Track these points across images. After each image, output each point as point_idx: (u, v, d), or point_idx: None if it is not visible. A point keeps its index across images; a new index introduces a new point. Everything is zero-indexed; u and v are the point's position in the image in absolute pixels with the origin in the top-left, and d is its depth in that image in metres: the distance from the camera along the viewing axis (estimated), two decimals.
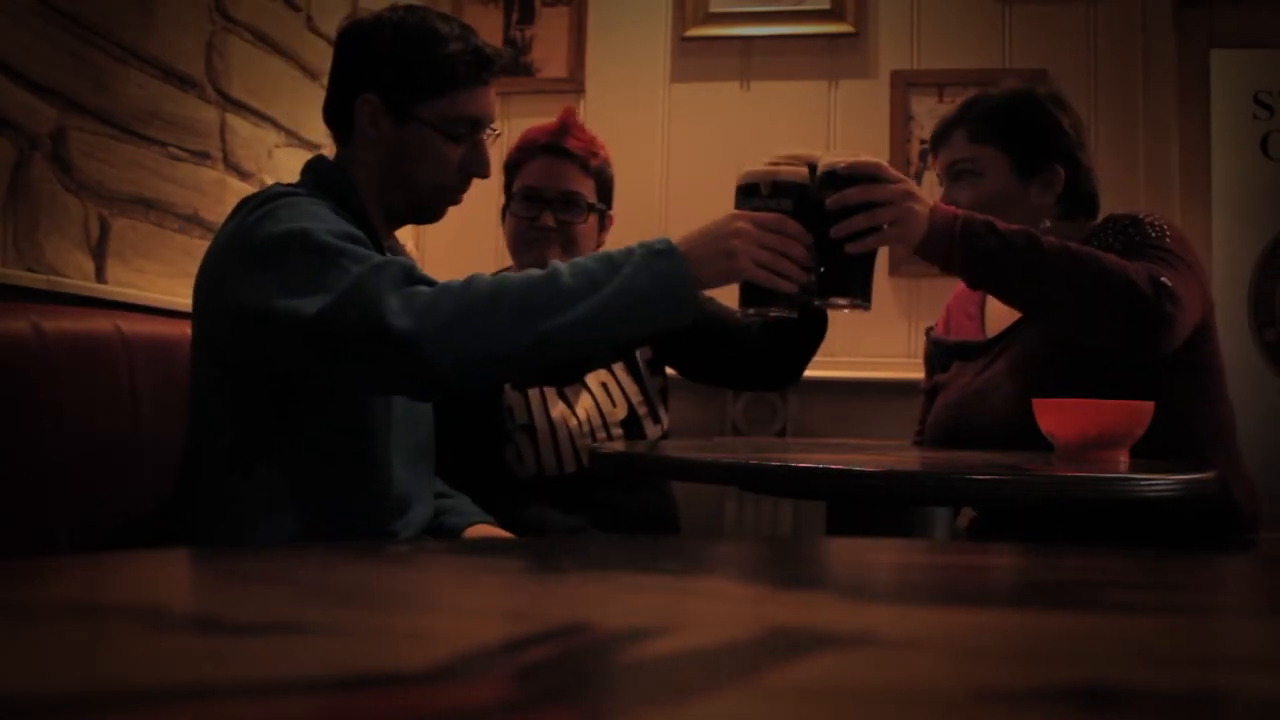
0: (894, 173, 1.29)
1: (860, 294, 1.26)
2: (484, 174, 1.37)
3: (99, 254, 1.69)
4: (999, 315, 1.63)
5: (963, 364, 1.64)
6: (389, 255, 1.17)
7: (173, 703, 0.27)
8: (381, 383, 1.18)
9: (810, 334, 1.60)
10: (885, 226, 1.24)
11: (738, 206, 1.28)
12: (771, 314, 1.25)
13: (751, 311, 1.25)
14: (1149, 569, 0.58)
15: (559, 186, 1.69)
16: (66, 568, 0.50)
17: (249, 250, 1.18)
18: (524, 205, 1.70)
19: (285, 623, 0.38)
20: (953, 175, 1.60)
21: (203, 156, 1.95)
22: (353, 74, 1.35)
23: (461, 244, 2.78)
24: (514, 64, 2.88)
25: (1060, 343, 1.47)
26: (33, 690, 0.28)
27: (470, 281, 1.12)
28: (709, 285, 1.19)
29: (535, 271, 1.14)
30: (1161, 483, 1.04)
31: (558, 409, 1.69)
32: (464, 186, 1.39)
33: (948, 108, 2.79)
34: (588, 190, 1.71)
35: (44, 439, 1.23)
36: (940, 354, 1.70)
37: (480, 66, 1.35)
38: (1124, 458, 1.23)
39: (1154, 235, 1.46)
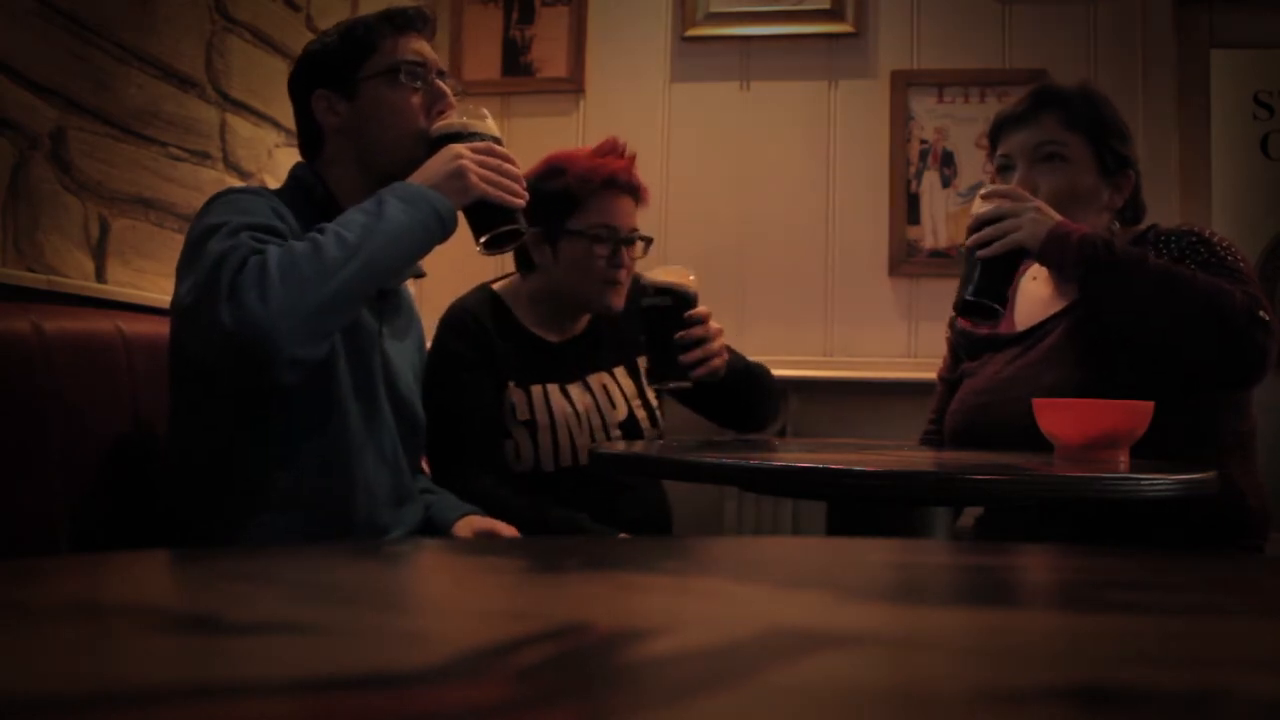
0: (1029, 196, 1.47)
1: (998, 297, 1.45)
2: (447, 107, 1.40)
3: (99, 254, 1.69)
4: (1030, 309, 1.63)
5: (993, 354, 1.64)
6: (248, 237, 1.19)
7: (173, 703, 0.27)
8: (234, 369, 1.18)
9: (737, 391, 1.72)
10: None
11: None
12: (504, 234, 1.34)
13: (484, 240, 1.35)
14: (1149, 569, 0.58)
15: (630, 224, 1.75)
16: (66, 568, 0.50)
17: (184, 247, 1.25)
18: (602, 242, 1.71)
19: (285, 623, 0.38)
20: (1039, 156, 1.57)
21: (203, 156, 1.95)
22: (303, 86, 1.42)
23: (463, 252, 2.78)
24: (516, 64, 2.88)
25: (1094, 339, 1.48)
26: (33, 690, 0.28)
27: (271, 256, 1.15)
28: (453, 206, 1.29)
29: (312, 236, 1.19)
30: (1161, 483, 1.04)
31: (559, 405, 1.71)
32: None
33: (948, 107, 2.80)
34: (636, 222, 1.78)
35: (44, 439, 1.23)
36: (969, 344, 1.69)
37: (392, 16, 1.41)
38: (1124, 458, 1.23)
39: (1230, 260, 1.46)
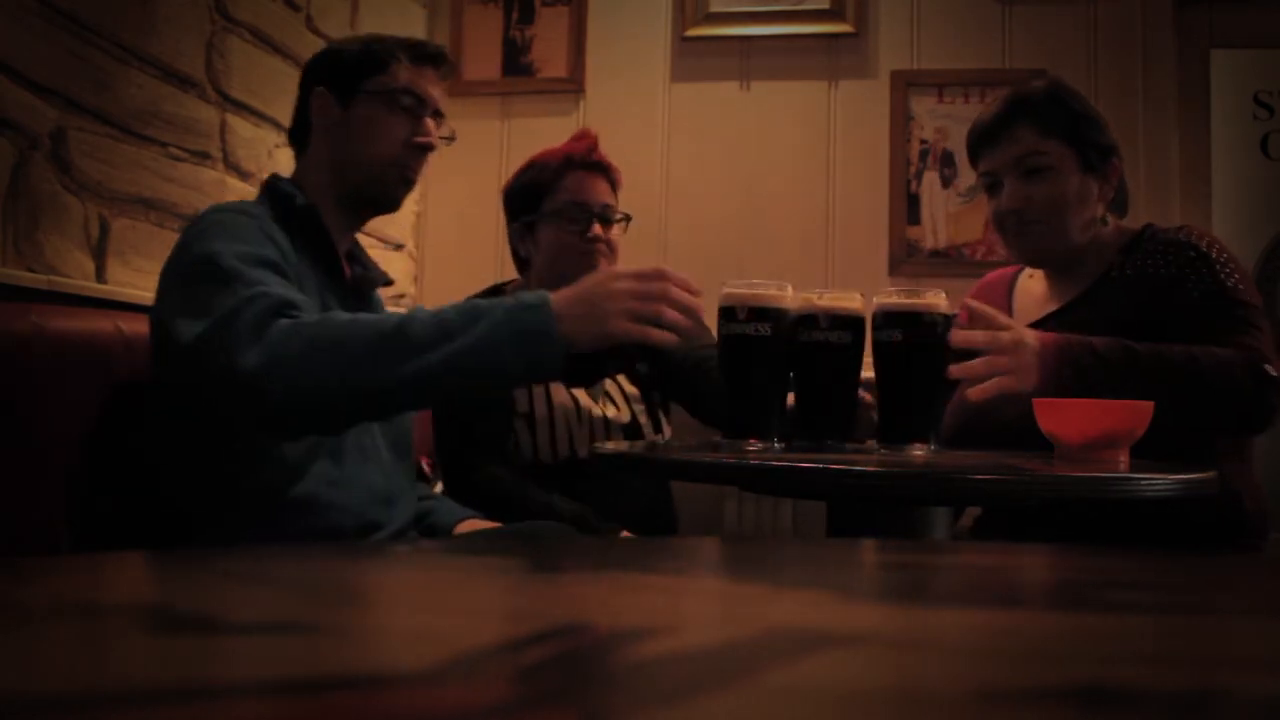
0: (1004, 319, 1.31)
1: (934, 436, 1.30)
2: (429, 145, 1.42)
3: (99, 254, 1.69)
4: (1026, 307, 1.63)
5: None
6: (269, 287, 1.14)
7: (173, 703, 0.27)
8: (226, 413, 1.16)
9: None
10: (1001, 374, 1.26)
11: (718, 329, 1.26)
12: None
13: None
14: (1149, 569, 0.58)
15: (601, 200, 1.77)
16: (66, 568, 0.50)
17: (173, 267, 1.24)
18: (572, 220, 1.75)
19: (285, 623, 0.38)
20: (1024, 171, 1.54)
21: (203, 156, 1.95)
22: (308, 80, 1.46)
23: (462, 252, 2.78)
24: (516, 64, 2.88)
25: None
26: (33, 690, 0.28)
27: (323, 322, 1.11)
28: (580, 347, 1.12)
29: (391, 317, 1.12)
30: (1161, 483, 1.04)
31: (560, 398, 1.73)
32: (412, 160, 1.42)
33: (948, 107, 2.80)
34: (615, 202, 1.80)
35: (44, 439, 1.23)
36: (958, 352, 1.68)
37: (415, 47, 1.44)
38: (1124, 458, 1.23)
39: (1231, 283, 1.44)
